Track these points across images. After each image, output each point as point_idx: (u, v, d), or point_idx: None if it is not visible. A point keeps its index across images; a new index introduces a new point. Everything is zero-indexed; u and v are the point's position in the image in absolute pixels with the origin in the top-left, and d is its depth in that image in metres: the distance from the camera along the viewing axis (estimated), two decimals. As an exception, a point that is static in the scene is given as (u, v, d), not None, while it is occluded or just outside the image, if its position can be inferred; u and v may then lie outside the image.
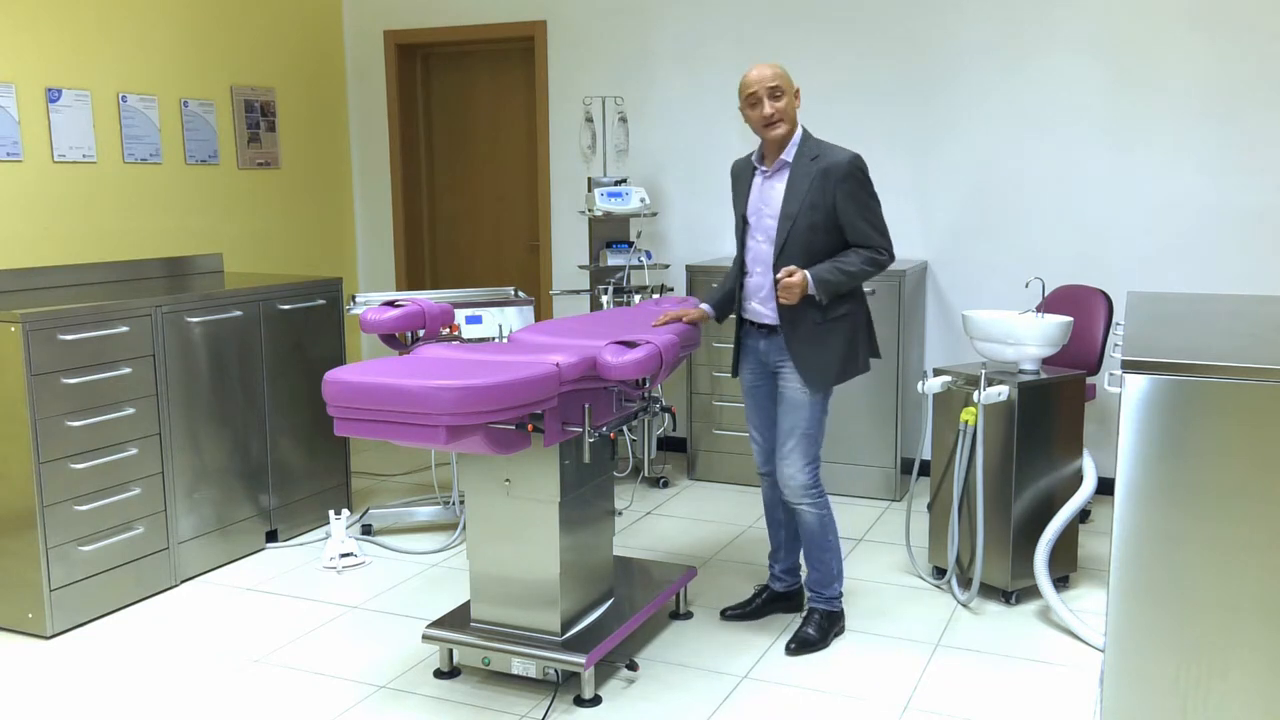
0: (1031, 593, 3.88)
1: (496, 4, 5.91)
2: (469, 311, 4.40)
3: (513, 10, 5.89)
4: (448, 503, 4.73)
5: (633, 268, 5.37)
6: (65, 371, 3.62)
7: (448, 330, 3.68)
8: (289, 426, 4.53)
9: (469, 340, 4.29)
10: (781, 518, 3.68)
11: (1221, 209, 4.70)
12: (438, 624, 3.29)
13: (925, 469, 5.25)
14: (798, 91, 3.35)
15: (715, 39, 5.48)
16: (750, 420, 3.61)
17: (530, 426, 2.89)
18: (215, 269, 5.16)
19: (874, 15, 5.16)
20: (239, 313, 4.27)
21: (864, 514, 4.82)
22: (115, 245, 4.90)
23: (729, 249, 5.54)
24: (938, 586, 3.98)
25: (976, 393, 3.71)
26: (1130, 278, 4.89)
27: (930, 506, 4.02)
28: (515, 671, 3.17)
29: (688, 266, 5.20)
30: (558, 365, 2.91)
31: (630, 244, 5.39)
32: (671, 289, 5.32)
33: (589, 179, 5.32)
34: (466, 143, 6.36)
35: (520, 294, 4.62)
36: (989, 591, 3.92)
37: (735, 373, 3.61)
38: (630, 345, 3.00)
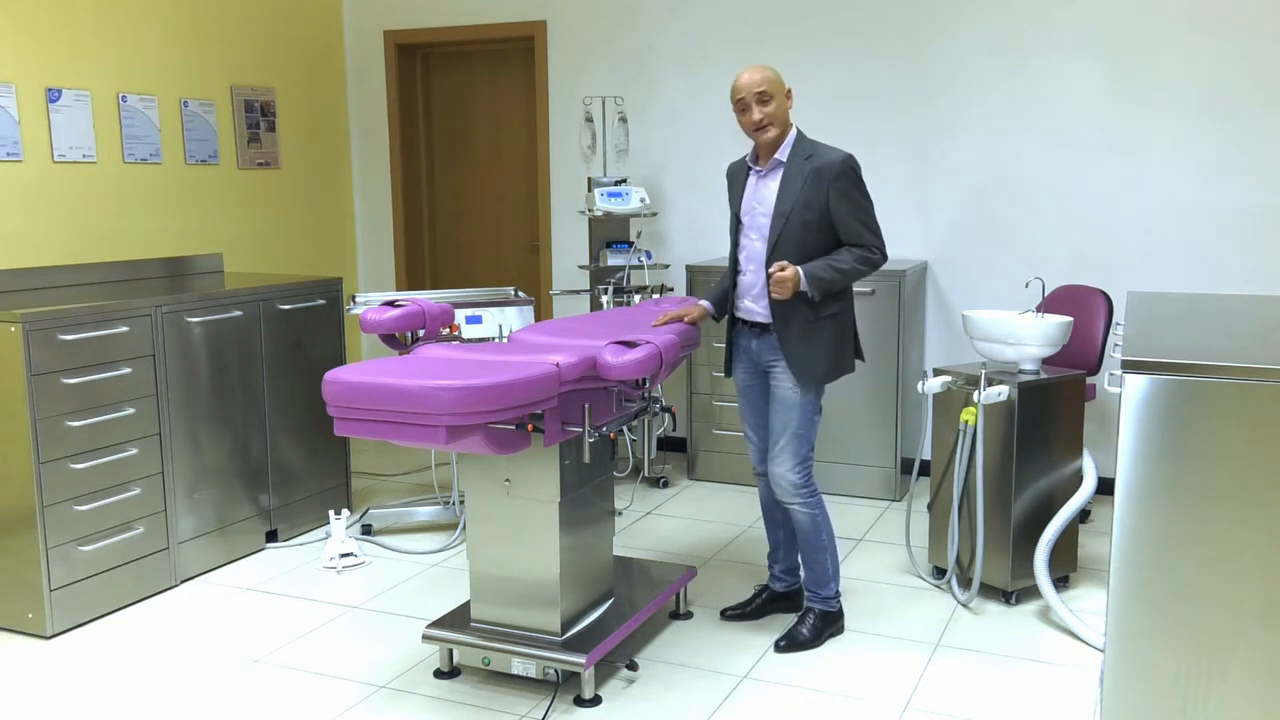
0: (1031, 593, 3.88)
1: (496, 4, 5.91)
2: (469, 311, 4.40)
3: (513, 10, 5.89)
4: (448, 503, 4.73)
5: (633, 268, 5.37)
6: (65, 371, 3.62)
7: (448, 330, 3.68)
8: (289, 426, 4.53)
9: (469, 340, 4.29)
10: (780, 517, 3.68)
11: (1221, 209, 4.70)
12: (438, 624, 3.29)
13: (925, 469, 5.25)
14: (789, 93, 3.35)
15: (715, 39, 5.49)
16: (744, 419, 3.61)
17: (530, 426, 2.89)
18: (215, 269, 5.16)
19: (874, 16, 5.17)
20: (239, 313, 4.27)
21: (864, 514, 4.82)
22: (115, 245, 4.90)
23: (728, 249, 5.53)
24: (938, 586, 3.98)
25: (976, 393, 3.71)
26: (1130, 278, 4.89)
27: (930, 506, 4.02)
28: (515, 671, 3.17)
29: (688, 266, 5.20)
30: (558, 365, 2.91)
31: (630, 244, 5.39)
32: (671, 289, 5.33)
33: (589, 179, 5.32)
34: (466, 143, 6.36)
35: (520, 294, 4.62)
36: (989, 591, 3.92)
37: (728, 372, 3.62)
38: (630, 345, 3.00)
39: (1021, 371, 3.81)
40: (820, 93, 5.32)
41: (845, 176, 3.29)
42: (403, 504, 4.83)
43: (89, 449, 3.71)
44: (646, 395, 3.43)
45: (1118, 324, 3.34)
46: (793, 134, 3.37)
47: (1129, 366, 2.32)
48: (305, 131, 6.00)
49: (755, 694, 3.19)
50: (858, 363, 4.87)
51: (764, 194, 3.38)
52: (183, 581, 4.10)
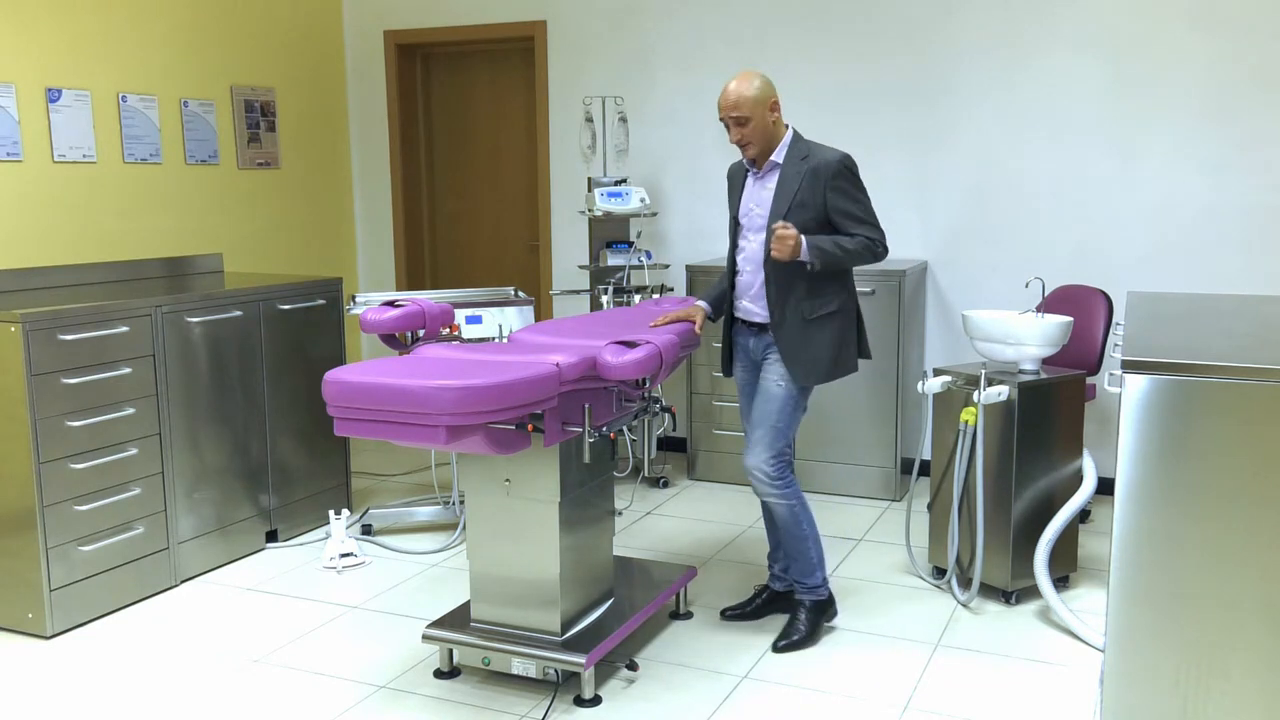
0: (1031, 593, 3.88)
1: (496, 4, 5.91)
2: (469, 311, 4.40)
3: (513, 10, 5.89)
4: (448, 503, 4.73)
5: (633, 268, 5.37)
6: (65, 371, 3.62)
7: (448, 330, 3.68)
8: (289, 426, 4.53)
9: (469, 340, 4.29)
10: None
11: (1221, 209, 4.70)
12: (438, 624, 3.29)
13: (925, 469, 5.25)
14: (774, 104, 3.31)
15: (715, 39, 5.49)
16: (744, 418, 3.62)
17: (530, 426, 2.89)
18: (215, 269, 5.16)
19: (874, 16, 5.16)
20: (239, 313, 4.27)
21: (864, 514, 4.82)
22: (115, 245, 4.90)
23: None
24: (938, 586, 3.98)
25: (976, 393, 3.71)
26: (1130, 278, 4.89)
27: (930, 506, 4.02)
28: (515, 671, 3.17)
29: (688, 266, 5.20)
30: (558, 365, 2.91)
31: (630, 244, 5.39)
32: (671, 289, 5.33)
33: (589, 179, 5.32)
34: (466, 143, 6.36)
35: (520, 294, 4.62)
36: (989, 591, 3.92)
37: (726, 371, 3.63)
38: (630, 345, 3.00)
39: (1021, 371, 3.81)
40: (820, 92, 5.32)
41: (841, 175, 3.29)
42: (403, 504, 4.83)
43: (89, 449, 3.71)
44: (646, 395, 3.43)
45: (1118, 324, 3.34)
46: (789, 135, 3.38)
47: (1129, 366, 2.32)
48: (305, 131, 6.00)
49: (755, 694, 3.19)
50: (860, 362, 4.87)
51: (762, 195, 3.39)
52: (183, 581, 4.10)
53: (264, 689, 3.25)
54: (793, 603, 3.69)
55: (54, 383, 3.58)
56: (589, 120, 5.50)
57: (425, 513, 4.67)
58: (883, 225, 5.24)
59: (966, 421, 3.76)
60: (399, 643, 3.56)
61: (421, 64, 6.38)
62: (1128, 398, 2.33)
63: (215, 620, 3.76)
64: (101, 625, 3.73)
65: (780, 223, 3.21)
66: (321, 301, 4.68)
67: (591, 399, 3.14)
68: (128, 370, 3.83)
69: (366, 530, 4.60)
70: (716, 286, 3.62)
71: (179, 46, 5.17)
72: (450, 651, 3.31)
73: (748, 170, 3.46)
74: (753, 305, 3.44)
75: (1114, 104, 4.81)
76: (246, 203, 5.62)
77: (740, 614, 3.70)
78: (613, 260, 5.32)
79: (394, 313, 3.35)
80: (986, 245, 5.12)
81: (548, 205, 5.99)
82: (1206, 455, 2.29)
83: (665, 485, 5.29)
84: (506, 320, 4.45)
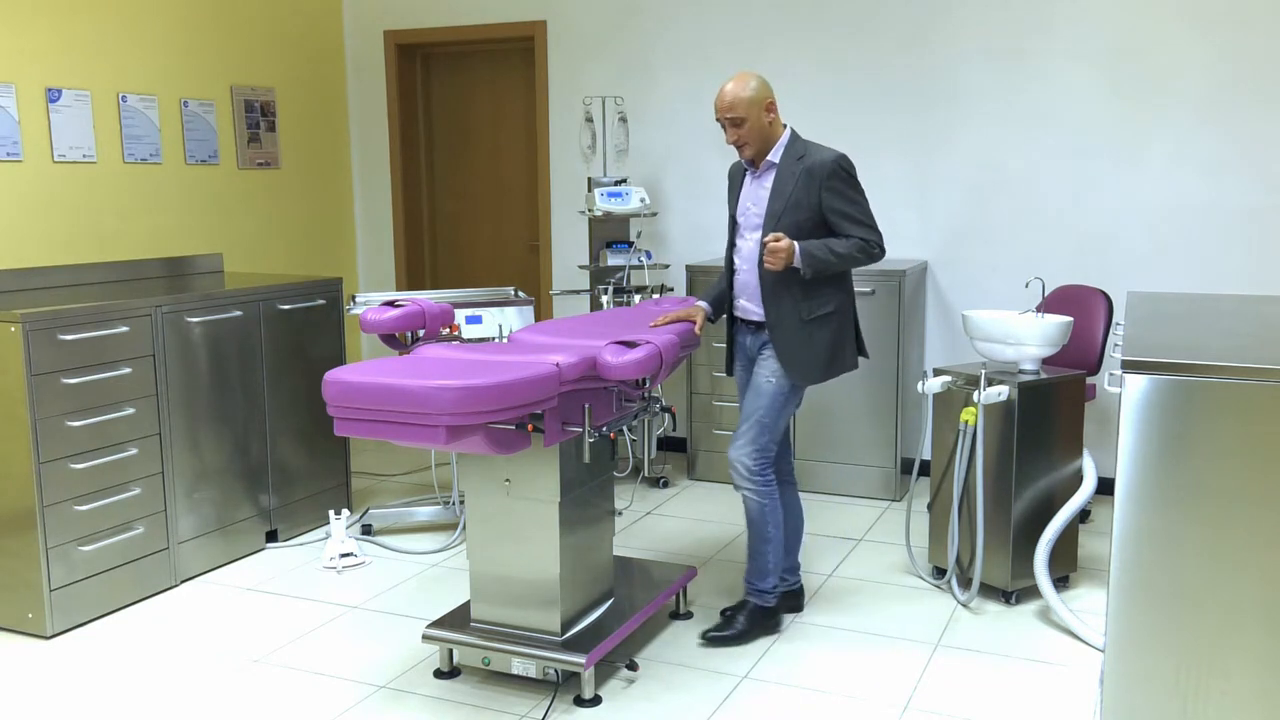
0: (1031, 593, 3.88)
1: (496, 4, 5.91)
2: (469, 311, 4.40)
3: (513, 10, 5.89)
4: (448, 503, 4.73)
5: (633, 268, 5.37)
6: (65, 371, 3.61)
7: (448, 330, 3.68)
8: (289, 426, 4.53)
9: (469, 340, 4.29)
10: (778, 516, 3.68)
11: (1221, 209, 4.70)
12: (438, 624, 3.29)
13: (925, 469, 5.25)
14: (770, 104, 3.32)
15: (715, 39, 5.49)
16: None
17: (530, 426, 2.89)
18: (215, 269, 5.16)
19: (874, 16, 5.16)
20: (239, 313, 4.27)
21: (864, 514, 4.82)
22: (115, 245, 4.90)
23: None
24: (938, 586, 3.98)
25: (976, 393, 3.71)
26: (1130, 278, 4.89)
27: (930, 506, 4.02)
28: (515, 671, 3.17)
29: (688, 266, 5.20)
30: (558, 365, 2.91)
31: (630, 244, 5.39)
32: (671, 289, 5.33)
33: (589, 179, 5.32)
34: (466, 143, 6.36)
35: (520, 294, 4.62)
36: (989, 591, 3.92)
37: (729, 371, 3.65)
38: (630, 345, 3.00)
39: (1021, 371, 3.81)
40: (820, 93, 5.32)
41: (836, 175, 3.30)
42: (403, 504, 4.83)
43: (89, 449, 3.71)
44: (646, 395, 3.44)
45: (1118, 324, 3.34)
46: (786, 135, 3.38)
47: (1129, 366, 2.32)
48: (305, 131, 6.00)
49: (755, 694, 3.19)
50: (860, 362, 4.87)
51: (758, 194, 3.41)
52: (183, 581, 4.10)
53: (264, 689, 3.25)
54: (802, 606, 3.71)
55: (54, 383, 3.58)
56: (589, 120, 5.50)
57: (425, 513, 4.67)
58: (883, 225, 5.24)
59: (966, 421, 3.76)
60: (399, 643, 3.56)
61: (421, 64, 6.38)
62: (1128, 398, 2.33)
63: (215, 620, 3.76)
64: (101, 625, 3.73)
65: (772, 235, 3.22)
66: (321, 301, 4.68)
67: (591, 399, 3.15)
68: (128, 370, 3.83)
69: (366, 530, 4.60)
70: (716, 286, 3.63)
71: (179, 46, 5.17)
72: (450, 651, 3.31)
73: (746, 170, 3.47)
74: (750, 304, 3.46)
75: (1114, 104, 4.81)
76: (246, 203, 5.62)
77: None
78: (613, 260, 5.32)
79: (394, 313, 3.35)
80: (986, 245, 5.12)
81: (548, 205, 5.99)
82: (1206, 455, 2.29)
83: (665, 485, 5.29)
84: (506, 320, 4.45)
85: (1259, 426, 2.24)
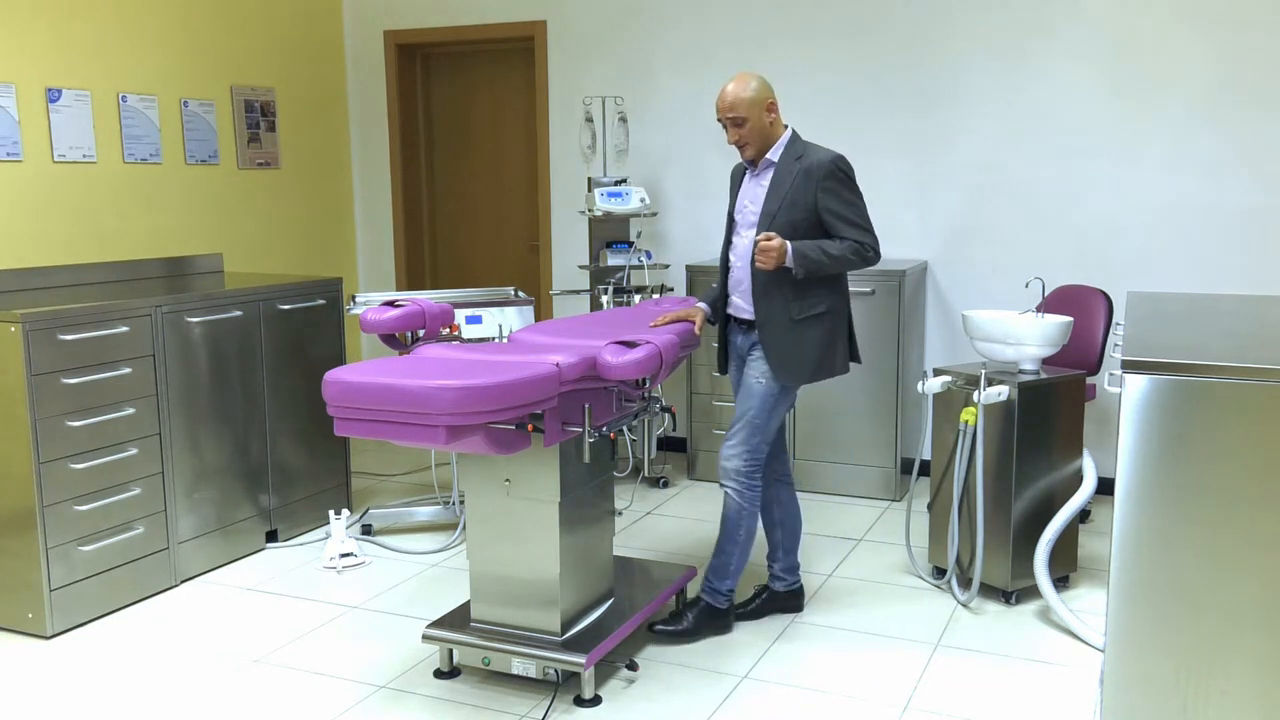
0: (1031, 593, 3.88)
1: (496, 4, 5.91)
2: (469, 311, 4.40)
3: (513, 10, 5.89)
4: (448, 503, 4.73)
5: (633, 268, 5.37)
6: (65, 371, 3.61)
7: (448, 330, 3.68)
8: (289, 426, 4.53)
9: (469, 340, 4.29)
10: (777, 517, 3.69)
11: (1221, 209, 4.70)
12: (438, 624, 3.29)
13: (925, 469, 5.25)
14: (771, 104, 3.34)
15: (715, 39, 5.48)
16: None
17: (530, 426, 2.89)
18: (215, 269, 5.16)
19: (875, 17, 5.16)
20: (239, 313, 4.27)
21: (864, 514, 4.82)
22: (115, 245, 4.90)
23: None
24: (938, 586, 3.98)
25: (976, 393, 3.71)
26: (1130, 278, 4.89)
27: (930, 506, 4.02)
28: (515, 671, 3.17)
29: (688, 266, 5.20)
30: (558, 365, 2.91)
31: (630, 244, 5.39)
32: (671, 289, 5.33)
33: (589, 179, 5.32)
34: (466, 143, 6.36)
35: (520, 294, 4.62)
36: (989, 591, 3.92)
37: (721, 369, 3.64)
38: (630, 345, 3.00)
39: (1021, 371, 3.81)
40: (821, 93, 5.32)
41: (833, 176, 3.30)
42: (403, 504, 4.83)
43: (89, 449, 3.71)
44: (646, 395, 3.43)
45: (1118, 324, 3.34)
46: (786, 136, 3.39)
47: (1129, 366, 2.32)
48: (305, 131, 6.00)
49: (755, 694, 3.19)
50: (858, 363, 4.87)
51: (755, 193, 3.42)
52: (183, 581, 4.10)
53: (264, 689, 3.25)
54: (802, 606, 3.71)
55: (54, 383, 3.58)
56: (589, 120, 5.50)
57: (425, 513, 4.67)
58: (884, 225, 5.25)
59: (966, 421, 3.76)
60: (399, 643, 3.56)
61: (421, 64, 6.38)
62: (1128, 398, 2.33)
63: (215, 620, 3.76)
64: (101, 625, 3.73)
65: (764, 234, 3.22)
66: (321, 301, 4.68)
67: (591, 399, 3.15)
68: (128, 370, 3.83)
69: (366, 530, 4.60)
70: (715, 287, 3.63)
71: (179, 46, 5.17)
72: (450, 651, 3.31)
73: (745, 169, 3.48)
74: (742, 302, 3.46)
75: (1114, 104, 4.81)
76: (246, 203, 5.62)
77: (740, 614, 3.70)
78: (613, 260, 5.32)
79: (394, 313, 3.35)
80: (986, 245, 5.12)
81: (548, 205, 5.99)
82: (1206, 455, 2.29)
83: (665, 485, 5.29)
84: (506, 320, 4.45)
85: (1259, 426, 2.24)
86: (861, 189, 3.41)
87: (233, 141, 5.50)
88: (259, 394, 4.38)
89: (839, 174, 3.30)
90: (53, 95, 4.57)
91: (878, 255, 3.35)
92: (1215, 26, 4.61)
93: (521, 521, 3.18)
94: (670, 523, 4.74)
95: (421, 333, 3.44)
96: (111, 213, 4.88)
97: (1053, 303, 4.72)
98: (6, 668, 3.41)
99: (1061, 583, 3.93)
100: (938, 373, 3.94)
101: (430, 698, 3.19)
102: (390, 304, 3.39)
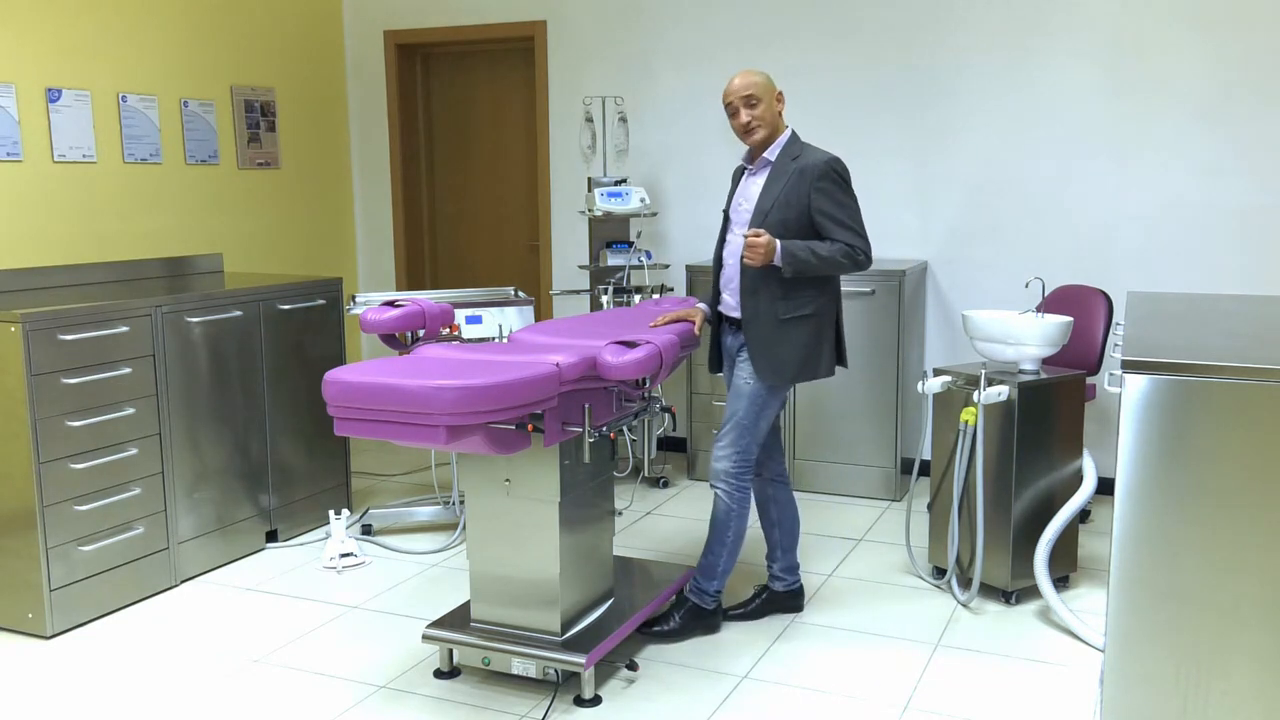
0: (1031, 593, 3.88)
1: (496, 4, 5.91)
2: (469, 311, 4.40)
3: (513, 10, 5.89)
4: (448, 503, 4.73)
5: (633, 268, 5.37)
6: (65, 371, 3.62)
7: (448, 330, 3.68)
8: (289, 426, 4.53)
9: (469, 340, 4.29)
10: (774, 517, 3.69)
11: (1221, 209, 4.70)
12: (438, 624, 3.29)
13: (925, 469, 5.25)
14: (780, 95, 3.39)
15: (715, 39, 5.49)
16: None
17: (530, 426, 2.89)
18: (215, 269, 5.16)
19: (874, 17, 5.16)
20: (239, 313, 4.27)
21: (864, 514, 4.82)
22: (115, 245, 4.90)
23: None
24: (938, 586, 3.98)
25: (976, 393, 3.71)
26: (1130, 278, 4.89)
27: (930, 506, 4.02)
28: (515, 671, 3.17)
29: (688, 266, 5.20)
30: (558, 365, 2.91)
31: (630, 244, 5.39)
32: (671, 289, 5.33)
33: (589, 179, 5.32)
34: (466, 143, 6.36)
35: (520, 294, 4.62)
36: (989, 591, 3.92)
37: (712, 369, 3.65)
38: (630, 345, 3.00)
39: (1021, 371, 3.81)
40: (821, 93, 5.32)
41: (827, 177, 3.30)
42: (403, 504, 4.83)
43: (89, 449, 3.71)
44: (646, 395, 3.43)
45: (1118, 324, 3.34)
46: (785, 135, 3.40)
47: (1129, 366, 2.32)
48: (305, 131, 6.00)
49: (755, 694, 3.19)
50: (857, 363, 4.87)
51: (750, 191, 3.42)
52: (183, 581, 4.10)
53: (264, 689, 3.25)
54: (802, 606, 3.71)
55: (54, 383, 3.58)
56: (589, 120, 5.50)
57: (425, 513, 4.67)
58: (883, 226, 5.25)
59: (966, 421, 3.76)
60: (399, 643, 3.56)
61: (421, 64, 6.38)
62: (1128, 398, 2.33)
63: (215, 620, 3.76)
64: (101, 625, 3.73)
65: (752, 230, 3.22)
66: (321, 301, 4.68)
67: (591, 399, 3.15)
68: (128, 370, 3.83)
69: (366, 530, 4.60)
70: (713, 290, 3.64)
71: (179, 46, 5.17)
72: (450, 651, 3.31)
73: (744, 168, 3.49)
74: (732, 299, 3.46)
75: (1113, 105, 4.81)
76: (246, 203, 5.62)
77: (740, 614, 3.70)
78: (613, 260, 5.32)
79: (394, 313, 3.35)
80: (986, 245, 5.12)
81: (548, 205, 5.99)
82: (1206, 455, 2.29)
83: (665, 485, 5.29)
84: (506, 320, 4.45)
85: (1259, 426, 2.24)
86: (862, 189, 3.42)
87: (233, 141, 5.50)
88: (259, 394, 4.38)
89: (833, 175, 3.30)
90: (53, 95, 4.57)
91: (869, 260, 3.34)
92: (1215, 26, 4.61)
93: (521, 521, 3.18)
94: (670, 523, 4.74)
95: (421, 333, 3.44)
96: (111, 213, 4.88)
97: (1053, 303, 4.72)
98: (6, 668, 3.41)
99: (1061, 583, 3.93)
100: (938, 373, 3.94)
101: (430, 698, 3.19)
102: (390, 304, 3.39)
